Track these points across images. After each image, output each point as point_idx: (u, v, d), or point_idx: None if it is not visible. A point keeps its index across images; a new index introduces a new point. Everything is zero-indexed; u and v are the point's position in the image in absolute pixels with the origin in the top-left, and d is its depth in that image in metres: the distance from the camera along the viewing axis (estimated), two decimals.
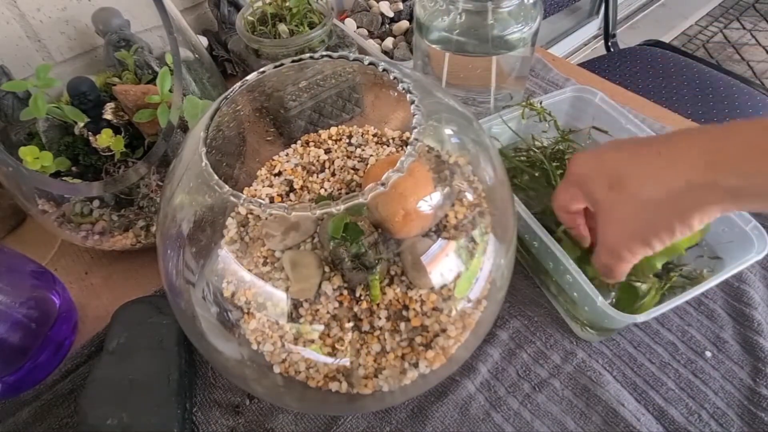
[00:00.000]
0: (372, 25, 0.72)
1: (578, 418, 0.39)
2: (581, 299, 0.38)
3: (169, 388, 0.38)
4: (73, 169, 0.46)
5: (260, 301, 0.32)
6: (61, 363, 0.43)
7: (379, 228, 0.34)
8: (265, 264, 0.34)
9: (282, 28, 0.55)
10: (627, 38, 1.88)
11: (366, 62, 0.32)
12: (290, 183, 0.41)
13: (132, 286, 0.48)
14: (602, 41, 1.25)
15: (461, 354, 0.34)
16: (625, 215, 0.30)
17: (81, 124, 0.46)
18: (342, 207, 0.25)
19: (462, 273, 0.32)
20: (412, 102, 0.29)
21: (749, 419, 0.38)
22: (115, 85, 0.48)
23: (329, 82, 0.54)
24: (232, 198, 0.26)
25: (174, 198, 0.32)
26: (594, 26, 1.93)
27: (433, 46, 0.53)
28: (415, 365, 0.32)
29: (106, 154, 0.46)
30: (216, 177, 0.27)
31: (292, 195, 0.41)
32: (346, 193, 0.41)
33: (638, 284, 0.38)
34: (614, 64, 1.06)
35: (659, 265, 0.37)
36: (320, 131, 0.46)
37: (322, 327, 0.32)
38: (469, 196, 0.34)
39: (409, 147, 0.27)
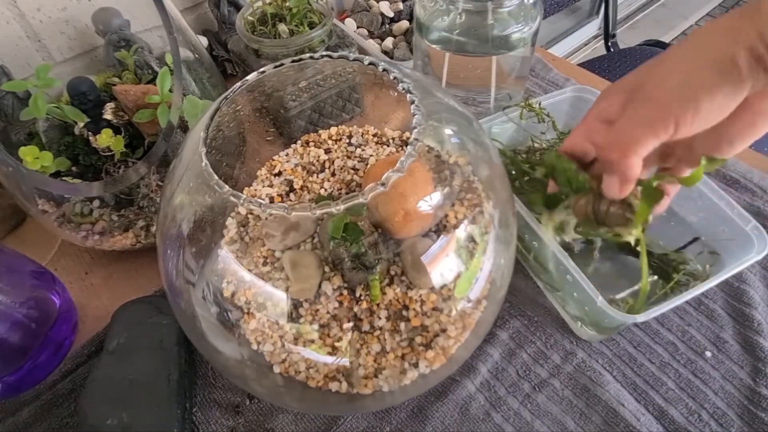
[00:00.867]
0: (372, 25, 0.72)
1: (578, 418, 0.39)
2: (581, 299, 0.38)
3: (169, 388, 0.38)
4: (73, 169, 0.46)
5: (260, 301, 0.32)
6: (61, 363, 0.43)
7: (379, 228, 0.34)
8: (265, 264, 0.34)
9: (282, 28, 0.55)
10: (627, 38, 1.88)
11: (366, 62, 0.32)
12: (290, 183, 0.41)
13: (132, 286, 0.48)
14: (602, 41, 1.25)
15: (461, 354, 0.35)
16: (637, 107, 0.28)
17: (81, 124, 0.46)
18: (342, 207, 0.25)
19: (462, 273, 0.32)
20: (412, 102, 0.29)
21: (749, 419, 0.38)
22: (115, 85, 0.48)
23: (329, 82, 0.54)
24: (232, 198, 0.26)
25: (174, 198, 0.32)
26: (594, 26, 1.93)
27: (433, 46, 0.53)
28: (415, 365, 0.32)
29: (106, 154, 0.46)
30: (216, 177, 0.27)
31: (292, 195, 0.41)
32: (346, 193, 0.41)
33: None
34: (614, 64, 1.06)
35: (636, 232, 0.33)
36: (320, 131, 0.46)
37: (324, 327, 0.32)
38: (469, 197, 0.34)
39: (409, 147, 0.27)
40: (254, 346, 0.32)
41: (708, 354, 0.42)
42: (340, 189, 0.41)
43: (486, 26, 0.49)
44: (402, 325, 0.32)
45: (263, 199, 0.38)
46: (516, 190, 0.46)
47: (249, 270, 0.33)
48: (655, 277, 0.42)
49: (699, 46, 0.26)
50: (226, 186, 0.27)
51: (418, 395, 0.40)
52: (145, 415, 0.37)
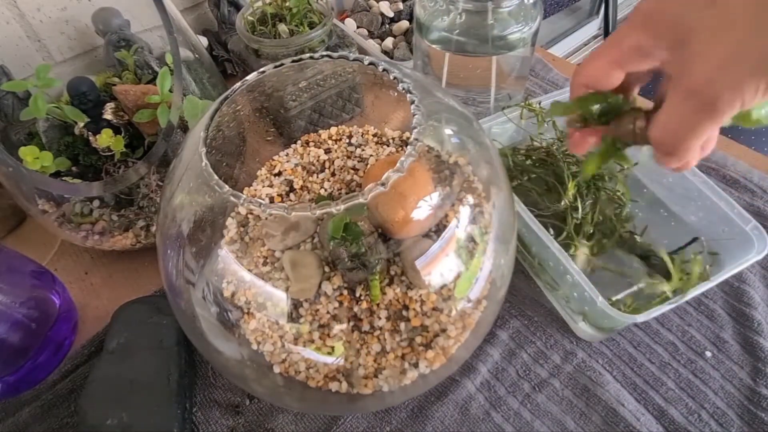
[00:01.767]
0: (372, 25, 0.72)
1: (578, 418, 0.39)
2: (581, 299, 0.38)
3: (169, 388, 0.38)
4: (73, 169, 0.46)
5: (260, 301, 0.32)
6: (61, 363, 0.43)
7: (379, 228, 0.34)
8: (265, 264, 0.34)
9: (282, 28, 0.55)
10: None
11: (366, 62, 0.32)
12: (290, 183, 0.41)
13: (132, 286, 0.48)
14: (602, 41, 1.25)
15: (461, 354, 0.34)
16: (689, 84, 0.22)
17: (81, 124, 0.46)
18: (342, 207, 0.25)
19: (462, 273, 0.32)
20: (412, 102, 0.29)
21: (749, 419, 0.38)
22: (115, 85, 0.48)
23: (329, 82, 0.54)
24: (232, 198, 0.26)
25: (174, 198, 0.32)
26: (594, 26, 1.93)
27: (433, 46, 0.53)
28: (415, 365, 0.32)
29: (106, 154, 0.46)
30: (216, 177, 0.27)
31: (292, 195, 0.41)
32: (346, 193, 0.41)
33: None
34: None
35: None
36: (320, 131, 0.46)
37: (323, 327, 0.32)
38: (469, 196, 0.34)
39: (409, 147, 0.27)
40: (254, 346, 0.32)
41: (708, 354, 0.42)
42: (340, 189, 0.41)
43: (486, 26, 0.49)
44: (402, 325, 0.32)
45: (263, 199, 0.38)
46: (516, 190, 0.46)
47: (249, 270, 0.33)
48: (655, 277, 0.42)
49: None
50: (226, 186, 0.27)
51: (418, 395, 0.40)
52: (145, 415, 0.37)
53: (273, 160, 0.44)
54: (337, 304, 0.32)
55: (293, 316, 0.32)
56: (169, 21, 0.43)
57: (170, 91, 0.44)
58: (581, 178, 0.43)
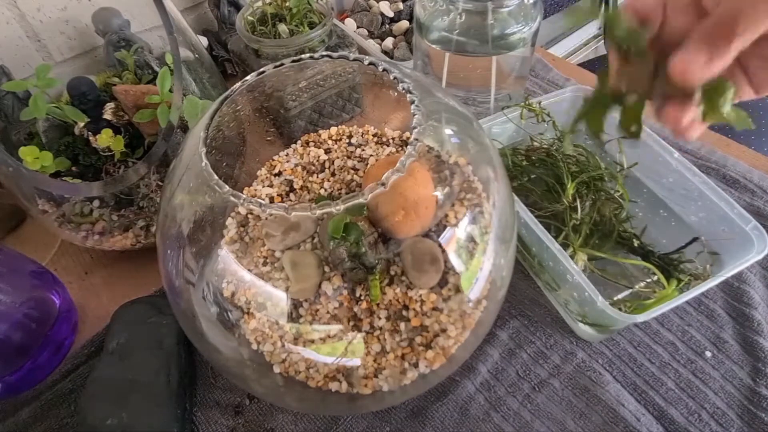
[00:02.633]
0: (372, 25, 0.72)
1: (578, 418, 0.39)
2: (581, 299, 0.38)
3: (169, 388, 0.38)
4: (73, 169, 0.46)
5: (260, 301, 0.32)
6: (61, 363, 0.43)
7: (379, 228, 0.34)
8: (265, 264, 0.34)
9: (282, 28, 0.55)
10: None
11: (366, 62, 0.32)
12: (290, 183, 0.41)
13: (132, 286, 0.48)
14: (602, 41, 1.25)
15: (461, 354, 0.34)
16: None
17: (81, 124, 0.46)
18: (342, 207, 0.25)
19: (462, 273, 0.32)
20: (412, 102, 0.29)
21: (749, 419, 0.38)
22: (115, 85, 0.48)
23: (329, 82, 0.54)
24: (232, 198, 0.26)
25: (174, 198, 0.32)
26: (594, 26, 1.93)
27: (433, 46, 0.53)
28: (415, 365, 0.32)
29: (106, 154, 0.46)
30: (216, 177, 0.27)
31: (292, 195, 0.41)
32: (346, 193, 0.41)
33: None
34: None
35: None
36: (320, 131, 0.46)
37: (323, 327, 0.32)
38: (469, 196, 0.34)
39: (409, 147, 0.27)
40: (254, 346, 0.32)
41: (708, 354, 0.42)
42: (340, 189, 0.41)
43: (486, 26, 0.49)
44: (402, 325, 0.32)
45: (263, 199, 0.38)
46: (516, 190, 0.46)
47: (249, 270, 0.33)
48: (656, 277, 0.42)
49: None
50: (226, 186, 0.26)
51: (418, 395, 0.40)
52: (145, 415, 0.37)
53: (273, 160, 0.44)
54: (337, 304, 0.32)
55: (293, 316, 0.32)
56: (169, 21, 0.43)
57: (170, 91, 0.44)
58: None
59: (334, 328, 0.32)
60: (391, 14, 0.73)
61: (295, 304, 0.32)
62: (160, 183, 0.45)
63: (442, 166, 0.34)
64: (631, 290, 0.42)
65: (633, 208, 0.47)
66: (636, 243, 0.43)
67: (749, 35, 0.22)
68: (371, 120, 0.50)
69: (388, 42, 0.70)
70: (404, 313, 0.33)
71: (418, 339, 0.32)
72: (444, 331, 0.33)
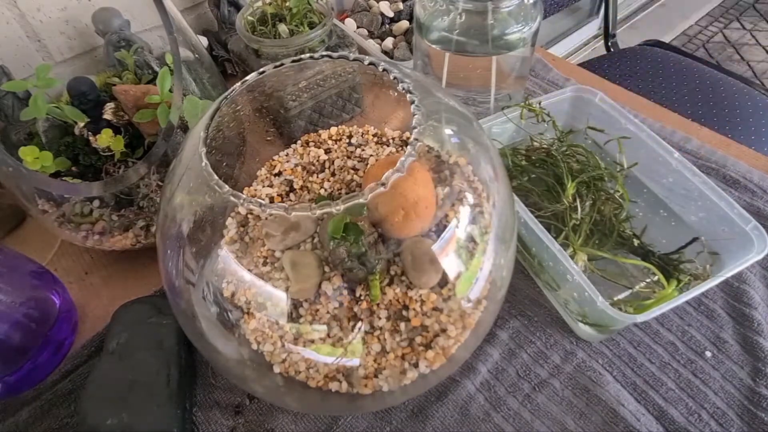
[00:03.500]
0: (372, 25, 0.72)
1: (578, 418, 0.39)
2: (581, 299, 0.38)
3: (169, 388, 0.38)
4: (73, 169, 0.46)
5: (260, 301, 0.32)
6: (61, 363, 0.43)
7: (379, 228, 0.34)
8: (265, 264, 0.34)
9: (282, 28, 0.55)
10: (627, 38, 1.88)
11: (366, 62, 0.32)
12: (290, 183, 0.41)
13: (132, 286, 0.48)
14: (602, 41, 1.25)
15: (461, 354, 0.34)
16: None
17: (81, 124, 0.46)
18: (342, 207, 0.25)
19: (462, 273, 0.32)
20: (412, 102, 0.29)
21: (749, 419, 0.38)
22: (115, 85, 0.48)
23: (329, 82, 0.54)
24: (232, 198, 0.26)
25: (174, 198, 0.32)
26: (594, 26, 1.93)
27: (433, 46, 0.53)
28: (415, 365, 0.32)
29: (106, 154, 0.46)
30: (216, 177, 0.27)
31: (292, 195, 0.41)
32: (346, 193, 0.41)
33: None
34: (614, 64, 1.06)
35: None
36: (320, 131, 0.46)
37: (323, 327, 0.32)
38: (469, 196, 0.34)
39: (409, 147, 0.27)
40: (254, 346, 0.32)
41: (708, 354, 0.42)
42: (340, 189, 0.41)
43: (486, 26, 0.49)
44: (402, 325, 0.32)
45: (263, 199, 0.38)
46: (516, 190, 0.46)
47: (249, 270, 0.33)
48: (656, 277, 0.42)
49: None
50: (226, 186, 0.26)
51: (418, 395, 0.40)
52: (145, 415, 0.37)
53: (273, 160, 0.44)
54: (337, 304, 0.32)
55: (293, 316, 0.32)
56: (169, 21, 0.43)
57: (170, 91, 0.44)
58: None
59: (334, 328, 0.32)
60: (391, 14, 0.73)
61: (295, 304, 0.32)
62: (160, 183, 0.45)
63: (442, 166, 0.34)
64: (631, 290, 0.42)
65: (633, 208, 0.47)
66: (636, 243, 0.43)
67: None
68: (371, 120, 0.50)
69: (388, 42, 0.70)
70: (404, 313, 0.33)
71: (418, 339, 0.32)
72: (444, 331, 0.33)
